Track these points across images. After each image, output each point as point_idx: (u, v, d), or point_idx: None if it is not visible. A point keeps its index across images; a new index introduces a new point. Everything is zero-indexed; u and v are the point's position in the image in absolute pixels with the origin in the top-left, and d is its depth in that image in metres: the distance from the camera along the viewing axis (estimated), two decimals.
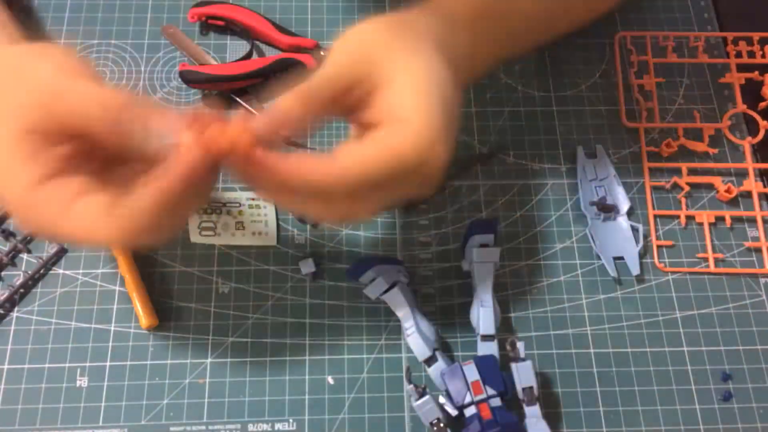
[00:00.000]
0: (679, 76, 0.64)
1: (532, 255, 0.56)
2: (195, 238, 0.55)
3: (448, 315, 0.54)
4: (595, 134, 0.61)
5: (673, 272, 0.55)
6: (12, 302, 0.52)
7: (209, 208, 0.56)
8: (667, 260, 0.56)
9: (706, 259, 0.56)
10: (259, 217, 0.56)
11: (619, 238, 0.56)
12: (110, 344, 0.52)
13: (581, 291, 0.55)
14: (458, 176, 0.59)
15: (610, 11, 0.64)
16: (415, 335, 0.49)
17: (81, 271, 0.54)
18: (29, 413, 0.49)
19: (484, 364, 0.48)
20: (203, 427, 0.49)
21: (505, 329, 0.53)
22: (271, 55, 0.61)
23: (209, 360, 0.52)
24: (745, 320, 0.54)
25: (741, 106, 0.62)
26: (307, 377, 0.51)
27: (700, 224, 0.57)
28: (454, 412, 0.47)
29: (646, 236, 0.57)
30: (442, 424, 0.47)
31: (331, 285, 0.54)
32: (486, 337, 0.50)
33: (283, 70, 0.59)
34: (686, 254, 0.57)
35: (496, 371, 0.48)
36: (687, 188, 0.58)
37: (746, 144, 0.60)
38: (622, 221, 0.57)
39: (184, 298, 0.53)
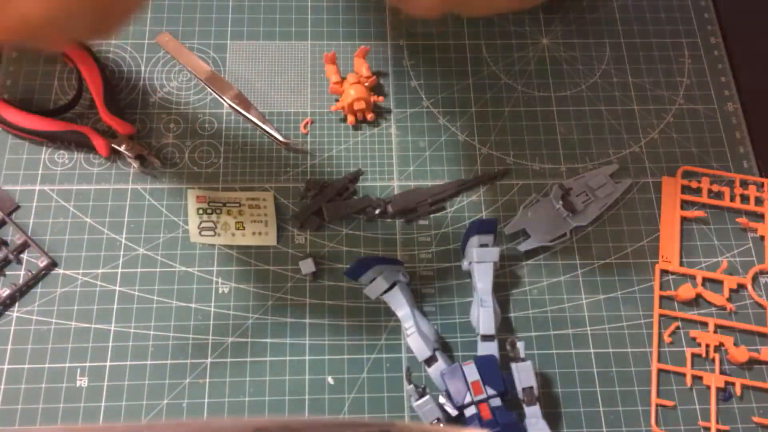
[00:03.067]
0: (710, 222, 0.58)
1: (532, 255, 0.56)
2: (195, 238, 0.55)
3: (448, 315, 0.54)
4: (595, 134, 0.61)
5: None
6: (12, 299, 0.52)
7: (209, 208, 0.56)
8: (664, 425, 0.50)
9: (708, 429, 0.50)
10: (259, 217, 0.56)
11: (552, 223, 0.56)
12: (110, 344, 0.52)
13: (581, 291, 0.55)
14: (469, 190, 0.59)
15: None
16: (415, 335, 0.49)
17: (81, 271, 0.54)
18: (29, 413, 0.49)
19: (484, 364, 0.48)
20: None
21: (505, 329, 0.53)
22: (68, 122, 0.57)
23: (209, 360, 0.52)
24: (745, 320, 0.54)
25: None
26: (307, 377, 0.51)
27: (708, 387, 0.51)
28: (454, 412, 0.47)
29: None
30: (442, 425, 0.47)
31: (331, 285, 0.54)
32: (486, 337, 0.50)
33: (72, 141, 0.57)
34: (686, 420, 0.51)
35: (496, 371, 0.48)
36: (704, 346, 0.52)
37: None
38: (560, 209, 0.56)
39: (184, 298, 0.53)
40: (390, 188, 0.58)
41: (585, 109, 0.62)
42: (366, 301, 0.54)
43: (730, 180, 0.59)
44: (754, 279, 0.56)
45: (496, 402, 0.47)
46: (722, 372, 0.52)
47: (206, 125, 0.60)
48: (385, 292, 0.51)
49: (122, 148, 0.57)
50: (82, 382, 0.50)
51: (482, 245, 0.52)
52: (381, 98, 0.59)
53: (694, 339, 0.53)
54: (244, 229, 0.55)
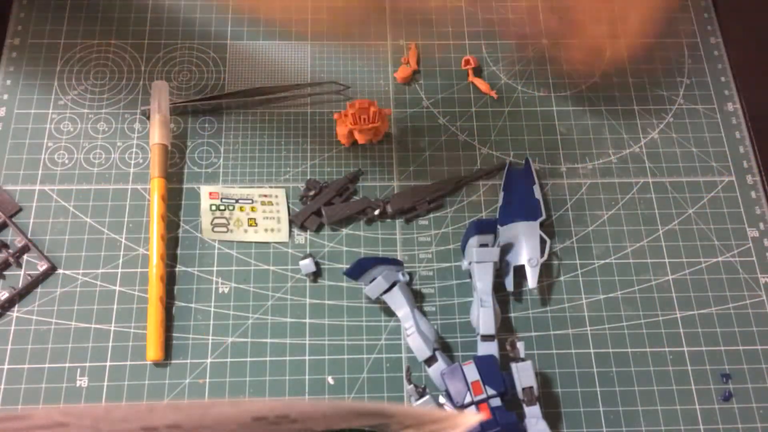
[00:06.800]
0: None
1: None
2: (208, 234, 0.55)
3: (448, 315, 0.54)
4: (594, 134, 0.61)
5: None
6: (11, 302, 0.52)
7: (222, 205, 0.56)
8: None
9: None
10: (271, 213, 0.56)
11: (528, 245, 0.54)
12: (110, 344, 0.52)
13: (581, 291, 0.55)
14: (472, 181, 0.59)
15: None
16: (415, 335, 0.49)
17: (81, 271, 0.54)
18: None
19: (484, 364, 0.48)
20: None
21: (505, 329, 0.53)
22: None
23: (209, 360, 0.52)
24: (745, 320, 0.54)
25: None
26: (307, 377, 0.51)
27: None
28: None
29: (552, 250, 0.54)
30: None
31: (331, 285, 0.54)
32: (486, 337, 0.50)
33: None
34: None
35: (496, 371, 0.48)
36: None
37: None
38: (535, 230, 0.54)
39: (184, 298, 0.53)
40: (390, 188, 0.58)
41: (585, 109, 0.62)
42: (366, 301, 0.54)
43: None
44: None
45: (496, 402, 0.47)
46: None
47: (206, 125, 0.60)
48: (385, 292, 0.51)
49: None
50: (82, 382, 0.50)
51: (482, 245, 0.52)
52: (389, 110, 0.58)
53: None
54: (256, 225, 0.55)
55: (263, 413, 0.32)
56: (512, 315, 0.54)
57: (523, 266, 0.53)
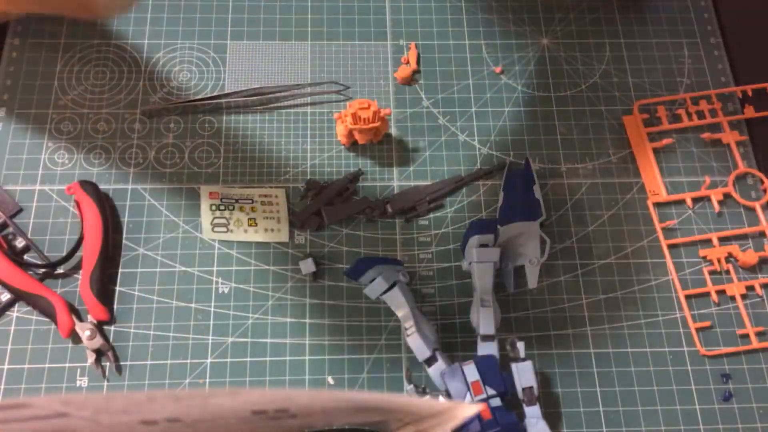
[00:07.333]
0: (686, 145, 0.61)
1: None
2: (208, 234, 0.55)
3: (448, 315, 0.54)
4: (595, 134, 0.61)
5: (717, 356, 0.53)
6: (11, 302, 0.52)
7: (222, 205, 0.56)
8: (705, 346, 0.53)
9: (747, 335, 0.54)
10: (271, 213, 0.56)
11: (528, 245, 0.53)
12: (110, 344, 0.52)
13: (581, 291, 0.55)
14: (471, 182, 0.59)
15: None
16: (415, 335, 0.49)
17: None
18: None
19: (484, 364, 0.48)
20: None
21: (505, 329, 0.53)
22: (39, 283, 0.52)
23: (209, 360, 0.52)
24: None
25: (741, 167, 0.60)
26: (307, 377, 0.51)
27: (731, 297, 0.55)
28: None
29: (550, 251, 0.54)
30: None
31: (331, 285, 0.54)
32: (486, 337, 0.50)
33: (37, 306, 0.51)
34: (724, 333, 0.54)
35: (496, 371, 0.48)
36: (715, 260, 0.56)
37: (757, 205, 0.58)
38: (535, 230, 0.54)
39: (184, 298, 0.53)
40: (390, 188, 0.58)
41: (585, 109, 0.62)
42: (366, 301, 0.54)
43: (681, 102, 0.62)
44: (735, 183, 0.59)
45: (496, 402, 0.47)
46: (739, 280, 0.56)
47: (206, 125, 0.60)
48: (385, 292, 0.51)
49: (84, 336, 0.50)
50: (82, 382, 0.50)
51: (482, 245, 0.52)
52: (389, 110, 0.58)
53: (704, 257, 0.56)
54: (256, 225, 0.55)
55: (262, 406, 0.32)
56: (512, 315, 0.54)
57: (523, 266, 0.53)
